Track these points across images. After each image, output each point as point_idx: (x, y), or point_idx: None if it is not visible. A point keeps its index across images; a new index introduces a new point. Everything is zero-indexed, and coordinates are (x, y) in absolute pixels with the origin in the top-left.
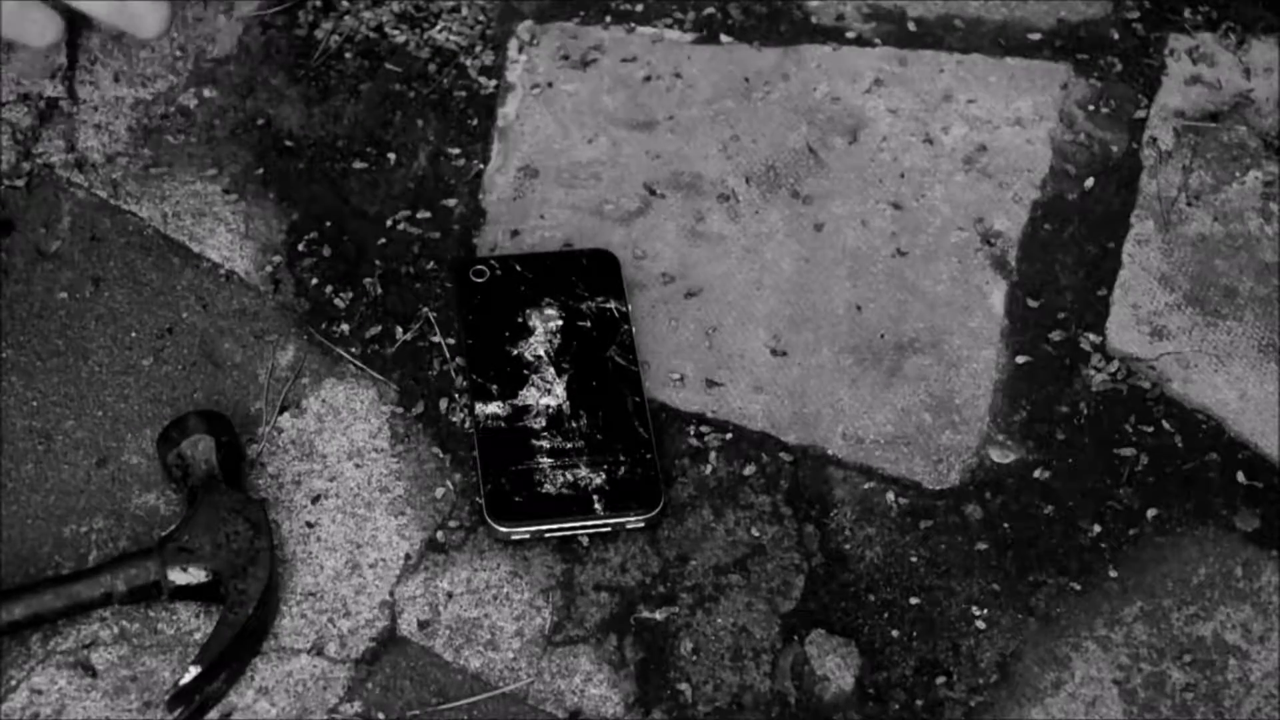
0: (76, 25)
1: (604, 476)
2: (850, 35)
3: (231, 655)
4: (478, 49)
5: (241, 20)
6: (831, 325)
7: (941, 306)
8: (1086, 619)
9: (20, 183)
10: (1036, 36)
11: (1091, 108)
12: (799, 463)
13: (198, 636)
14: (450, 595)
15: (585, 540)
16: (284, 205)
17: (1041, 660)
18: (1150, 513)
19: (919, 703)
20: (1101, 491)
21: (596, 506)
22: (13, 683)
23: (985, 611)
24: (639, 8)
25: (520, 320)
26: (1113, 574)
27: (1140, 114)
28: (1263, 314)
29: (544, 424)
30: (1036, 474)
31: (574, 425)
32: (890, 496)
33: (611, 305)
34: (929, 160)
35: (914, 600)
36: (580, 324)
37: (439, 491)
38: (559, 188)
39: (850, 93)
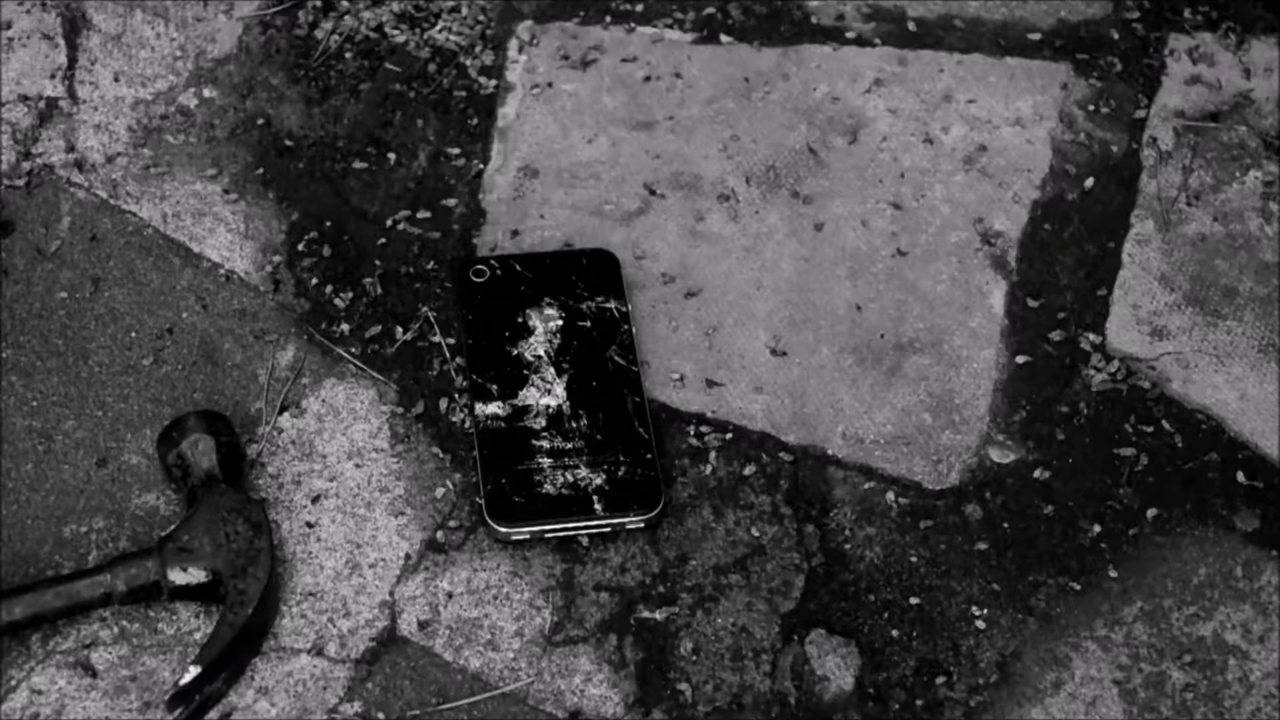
0: (76, 25)
1: (604, 476)
2: (850, 35)
3: (231, 655)
4: (478, 49)
5: (241, 20)
6: (831, 325)
7: (941, 306)
8: (1086, 619)
9: (20, 183)
10: (1036, 36)
11: (1091, 108)
12: (799, 463)
13: (198, 636)
14: (450, 595)
15: (585, 540)
16: (284, 205)
17: (1041, 660)
18: (1150, 513)
19: (919, 703)
20: (1101, 491)
21: (596, 507)
22: (13, 683)
23: (985, 611)
24: (639, 8)
25: (520, 320)
26: (1113, 574)
27: (1140, 114)
28: (1263, 314)
29: (544, 424)
30: (1036, 474)
31: (574, 425)
32: (890, 496)
33: (611, 305)
34: (929, 160)
35: (914, 600)
36: (580, 324)
37: (439, 491)
38: (559, 188)
39: (850, 93)
